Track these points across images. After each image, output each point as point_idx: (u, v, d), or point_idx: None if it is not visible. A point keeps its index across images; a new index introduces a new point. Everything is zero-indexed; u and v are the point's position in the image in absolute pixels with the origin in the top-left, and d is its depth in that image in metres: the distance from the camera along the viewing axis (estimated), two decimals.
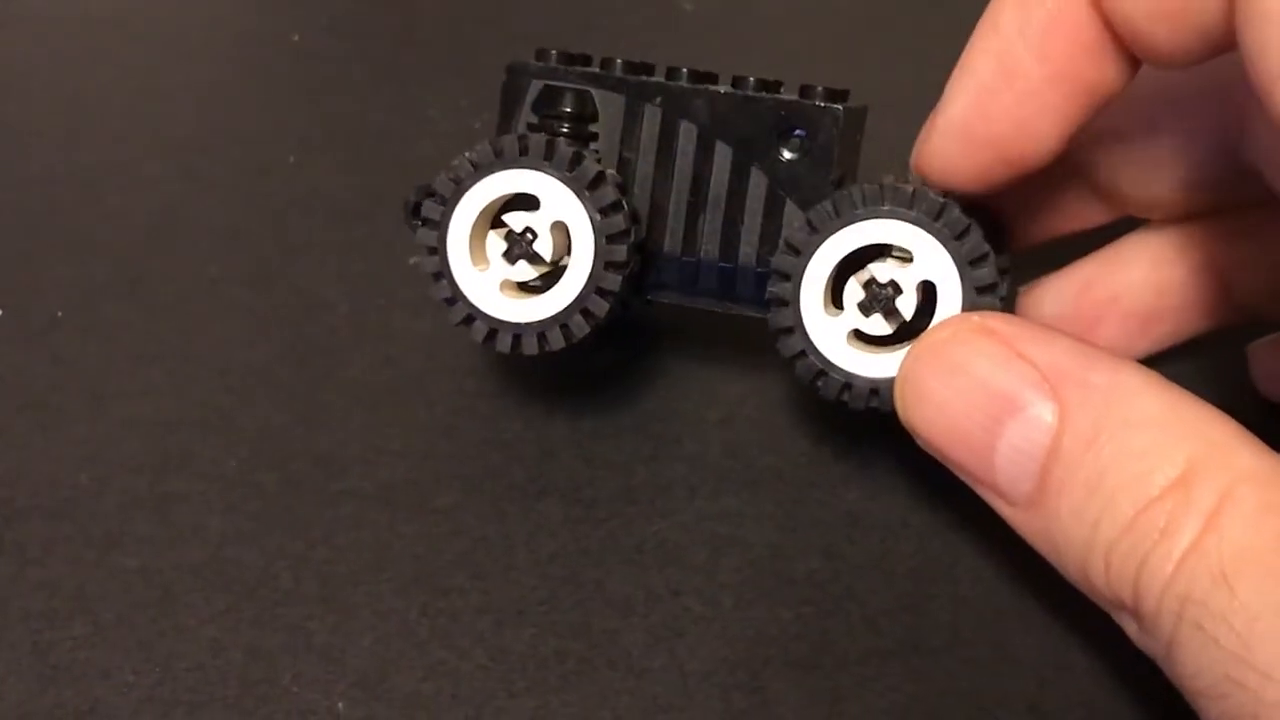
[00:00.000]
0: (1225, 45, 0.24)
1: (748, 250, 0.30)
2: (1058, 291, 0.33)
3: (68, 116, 0.43)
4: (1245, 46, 0.22)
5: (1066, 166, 0.31)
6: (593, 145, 0.30)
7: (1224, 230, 0.32)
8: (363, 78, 0.44)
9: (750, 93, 0.29)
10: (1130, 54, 0.26)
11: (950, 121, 0.28)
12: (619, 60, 0.31)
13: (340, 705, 0.28)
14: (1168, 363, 0.33)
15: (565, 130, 0.30)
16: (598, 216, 0.29)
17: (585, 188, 0.29)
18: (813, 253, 0.28)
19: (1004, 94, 0.27)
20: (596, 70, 0.30)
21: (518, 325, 0.30)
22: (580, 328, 0.29)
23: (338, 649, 0.29)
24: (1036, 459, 0.23)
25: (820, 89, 0.29)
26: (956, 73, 0.28)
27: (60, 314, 0.37)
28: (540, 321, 0.29)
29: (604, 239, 0.29)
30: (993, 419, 0.24)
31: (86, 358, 0.36)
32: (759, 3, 0.48)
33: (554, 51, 0.31)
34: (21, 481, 0.33)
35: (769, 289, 0.29)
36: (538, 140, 0.29)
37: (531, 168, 0.29)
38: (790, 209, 0.29)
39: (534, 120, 0.31)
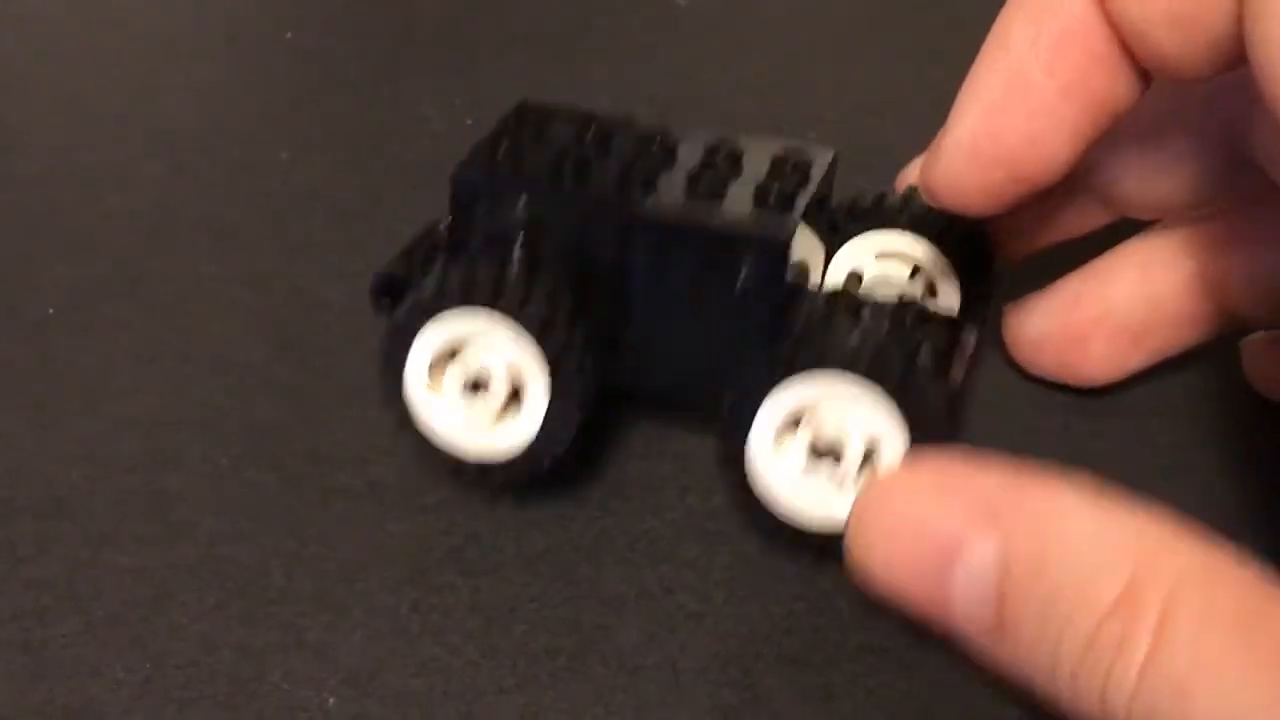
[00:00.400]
0: (1236, 58, 0.24)
1: (706, 369, 0.29)
2: (1045, 309, 0.33)
3: (64, 115, 0.43)
4: (1254, 54, 0.22)
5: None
6: (547, 252, 0.29)
7: (1217, 236, 0.32)
8: (359, 76, 0.44)
9: (693, 222, 0.28)
10: (1141, 67, 0.26)
11: (959, 142, 0.27)
12: (568, 164, 0.29)
13: (331, 701, 0.28)
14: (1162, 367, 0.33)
15: (519, 242, 0.29)
16: (550, 359, 0.29)
17: (538, 332, 0.28)
18: (756, 407, 0.28)
19: (1015, 111, 0.26)
20: (543, 190, 0.29)
21: (481, 460, 0.30)
22: (544, 457, 0.30)
23: (329, 646, 0.29)
24: (990, 595, 0.23)
25: (773, 197, 0.28)
26: (964, 91, 0.27)
27: (51, 311, 0.37)
28: (505, 454, 0.30)
29: (557, 380, 0.29)
30: (941, 564, 0.24)
31: (81, 356, 0.36)
32: (753, 1, 0.48)
33: (503, 146, 0.30)
34: (14, 479, 0.33)
35: (717, 434, 0.29)
36: (485, 277, 0.28)
37: (481, 305, 0.28)
38: (745, 326, 0.29)
39: (488, 228, 0.30)
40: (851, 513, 0.26)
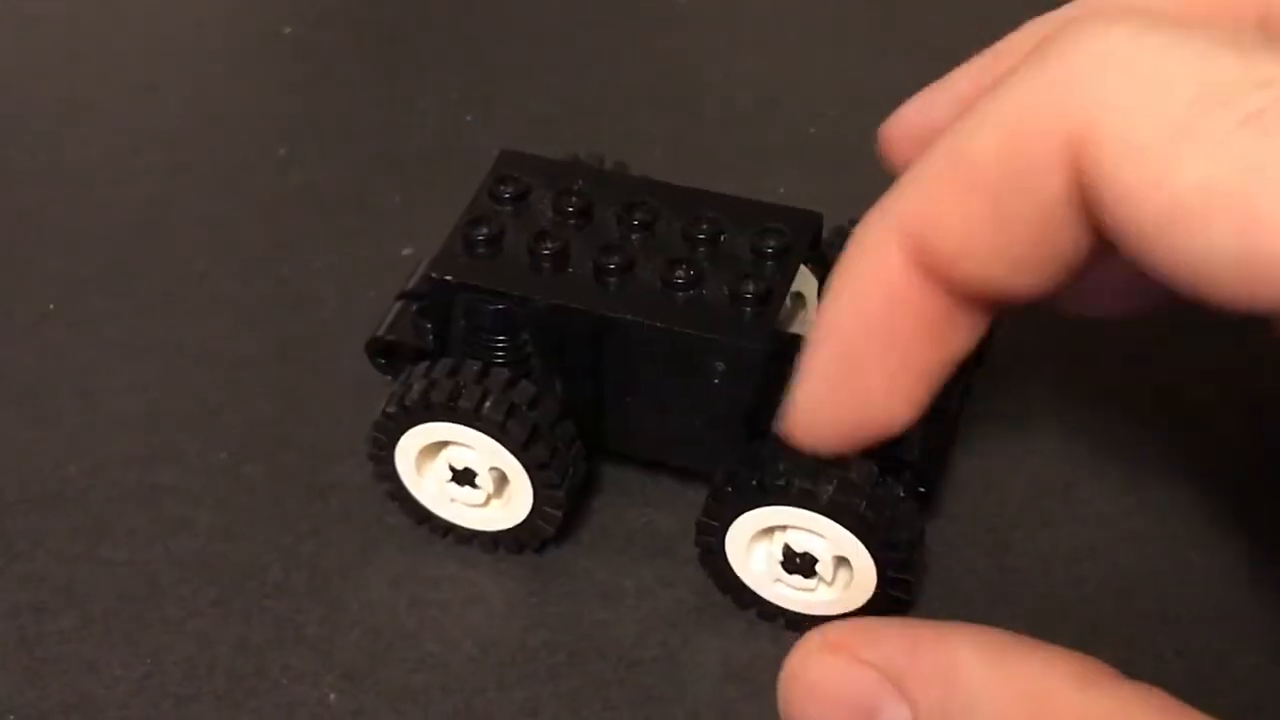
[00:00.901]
0: (1080, 269, 0.23)
1: (688, 443, 0.30)
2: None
3: (57, 110, 0.43)
4: (1120, 229, 0.21)
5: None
6: (527, 347, 0.29)
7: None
8: (353, 71, 0.44)
9: (665, 325, 0.28)
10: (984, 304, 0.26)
11: (807, 414, 0.27)
12: (546, 256, 0.29)
13: (331, 697, 0.28)
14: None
15: (498, 344, 0.29)
16: (520, 453, 0.29)
17: (497, 430, 0.28)
18: (729, 523, 0.28)
19: (852, 394, 0.26)
20: (518, 295, 0.29)
21: (482, 532, 0.30)
22: (545, 530, 0.30)
23: (327, 641, 0.29)
24: None
25: (749, 296, 0.28)
26: (804, 362, 0.27)
27: (52, 307, 0.37)
28: (495, 529, 0.30)
29: (535, 469, 0.29)
30: None
31: (75, 350, 0.36)
32: None
33: (477, 239, 0.29)
34: (10, 474, 0.33)
35: (695, 537, 0.29)
36: (469, 394, 0.28)
37: (463, 423, 0.29)
38: (723, 410, 0.29)
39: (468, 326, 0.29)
40: (779, 687, 0.26)
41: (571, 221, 0.30)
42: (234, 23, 0.46)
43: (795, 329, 0.30)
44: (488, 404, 0.28)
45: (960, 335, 0.26)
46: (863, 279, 0.25)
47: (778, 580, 0.29)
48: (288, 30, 0.45)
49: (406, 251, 0.38)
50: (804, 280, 0.30)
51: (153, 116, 0.43)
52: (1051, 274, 0.23)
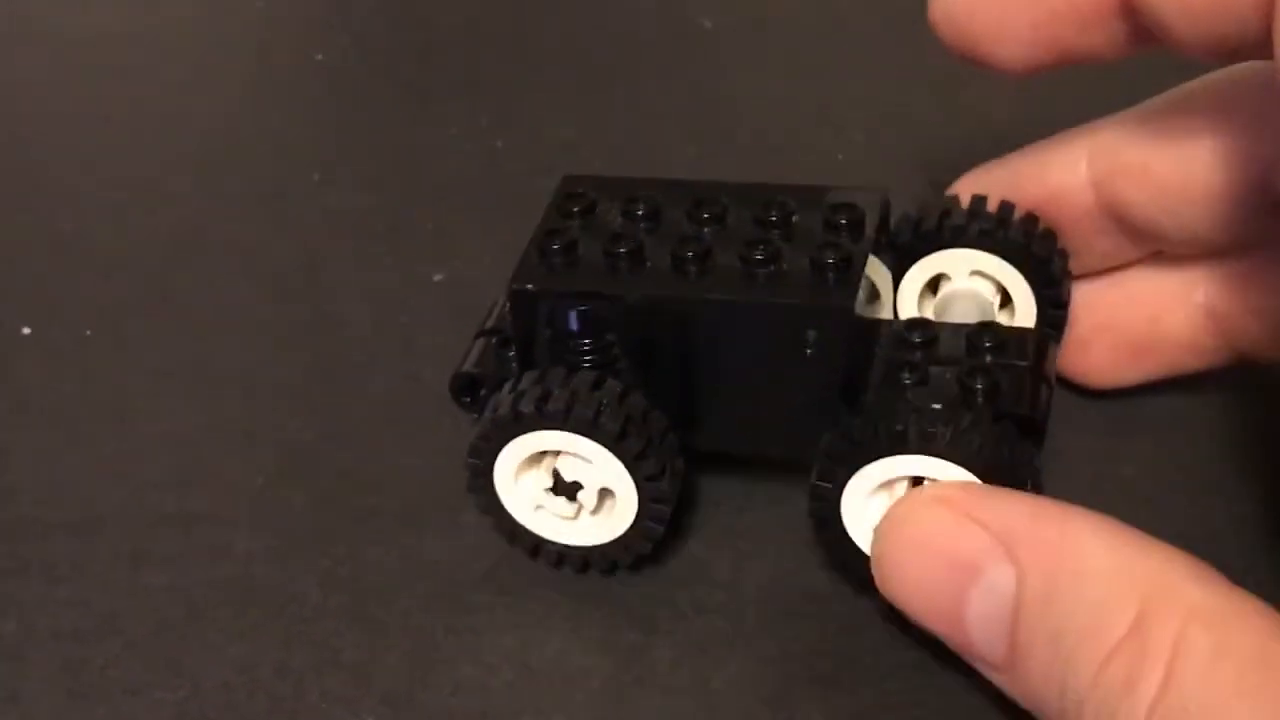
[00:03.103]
0: (1244, 48, 0.25)
1: (783, 429, 0.29)
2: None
3: (95, 136, 0.44)
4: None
5: (1097, 206, 0.31)
6: (611, 350, 0.29)
7: (1233, 273, 0.31)
8: (386, 96, 0.45)
9: (755, 300, 0.28)
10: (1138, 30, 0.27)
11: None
12: (623, 256, 0.29)
13: None
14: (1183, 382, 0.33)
15: (588, 347, 0.29)
16: (633, 466, 0.29)
17: (612, 442, 0.28)
18: (843, 485, 0.28)
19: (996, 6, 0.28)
20: (602, 297, 0.29)
21: (580, 548, 0.30)
22: (644, 547, 0.30)
23: (366, 666, 0.29)
24: (1004, 623, 0.24)
25: (831, 263, 0.28)
26: None
27: (89, 332, 0.37)
28: (593, 544, 0.30)
29: (644, 482, 0.29)
30: (958, 589, 0.24)
31: (112, 375, 0.36)
32: (778, 20, 0.48)
33: (553, 249, 0.29)
34: (50, 499, 0.33)
35: (810, 504, 0.29)
36: (557, 399, 0.28)
37: (554, 428, 0.28)
38: (818, 386, 0.29)
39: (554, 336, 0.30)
40: (876, 532, 0.27)
41: (642, 225, 0.30)
42: (267, 50, 0.47)
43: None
44: (603, 416, 0.28)
45: (1105, 37, 0.27)
46: (1056, 148, 0.28)
47: None
48: (320, 58, 0.45)
49: (438, 277, 0.38)
50: (875, 270, 0.30)
51: (187, 142, 0.43)
52: (1218, 37, 0.25)
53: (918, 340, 0.29)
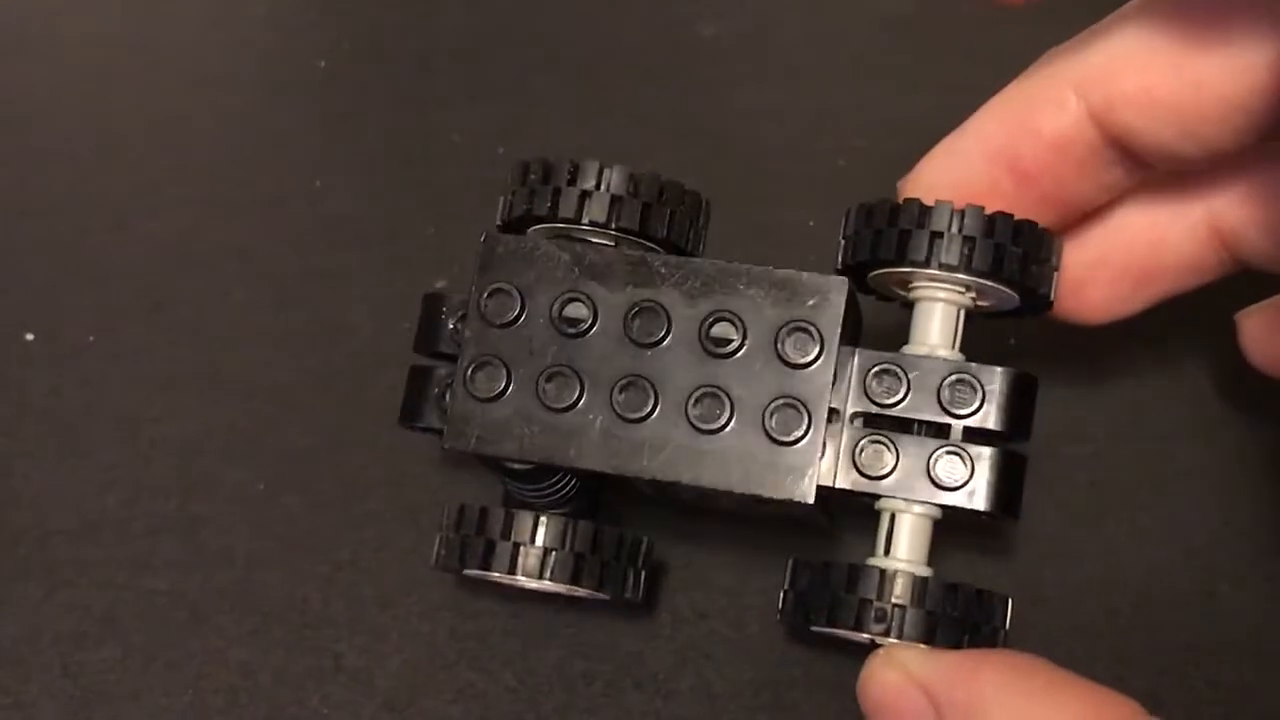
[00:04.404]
0: (1236, 148, 0.26)
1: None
2: None
3: (93, 142, 0.44)
4: None
5: (1101, 141, 0.29)
6: (569, 483, 0.28)
7: (1233, 183, 0.30)
8: (386, 103, 0.45)
9: (702, 483, 0.27)
10: (1134, 160, 0.27)
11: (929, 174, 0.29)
12: (557, 409, 0.27)
13: None
14: (1157, 326, 0.32)
15: (539, 492, 0.28)
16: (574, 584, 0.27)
17: (541, 579, 0.27)
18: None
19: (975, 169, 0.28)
20: (536, 461, 0.27)
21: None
22: (634, 600, 0.28)
23: (366, 671, 0.29)
24: None
25: (779, 428, 0.26)
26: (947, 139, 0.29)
27: (91, 339, 0.37)
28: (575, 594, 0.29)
29: (599, 589, 0.27)
30: None
31: (113, 382, 0.36)
32: (777, 29, 0.48)
33: (489, 402, 0.28)
34: (51, 505, 0.33)
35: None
36: (502, 551, 0.27)
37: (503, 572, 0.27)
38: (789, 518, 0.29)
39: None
40: (858, 684, 0.27)
41: (576, 341, 0.28)
42: (268, 56, 0.47)
43: None
44: (521, 556, 0.27)
45: (1099, 186, 0.28)
46: (1032, 102, 0.27)
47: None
48: (321, 64, 0.45)
49: (440, 284, 0.38)
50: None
51: (188, 149, 0.43)
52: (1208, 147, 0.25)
53: (887, 403, 0.27)
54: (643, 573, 0.28)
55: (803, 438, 0.26)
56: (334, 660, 0.30)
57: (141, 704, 0.29)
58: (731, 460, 0.26)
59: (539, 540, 0.27)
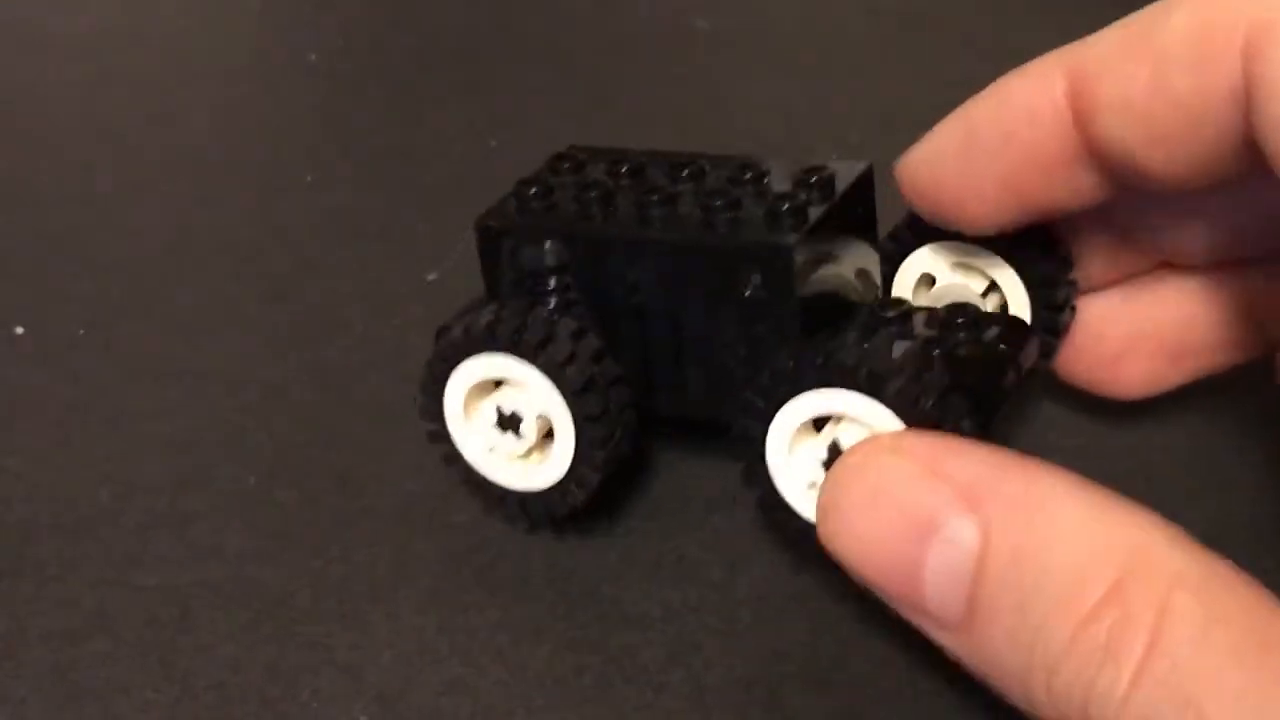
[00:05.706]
0: (1222, 173, 0.24)
1: (730, 390, 0.29)
2: (1081, 323, 0.32)
3: (86, 136, 0.44)
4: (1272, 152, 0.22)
5: (1100, 223, 0.31)
6: (570, 292, 0.30)
7: (1257, 274, 0.31)
8: (379, 97, 0.45)
9: (697, 239, 0.28)
10: (1110, 176, 0.26)
11: (917, 162, 0.28)
12: (594, 200, 0.29)
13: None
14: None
15: (549, 286, 0.29)
16: (572, 400, 0.29)
17: (556, 371, 0.28)
18: (770, 418, 0.27)
19: (965, 166, 0.28)
20: (556, 225, 0.29)
21: (516, 492, 0.30)
22: (576, 496, 0.30)
23: (357, 665, 0.29)
24: (963, 579, 0.22)
25: (785, 212, 0.28)
26: (937, 126, 0.28)
27: (82, 332, 0.37)
28: (536, 489, 0.30)
29: (583, 421, 0.29)
30: (915, 543, 0.23)
31: (104, 376, 0.36)
32: (773, 21, 0.48)
33: (529, 194, 0.30)
34: (41, 499, 0.33)
35: (736, 434, 0.28)
36: (508, 323, 0.28)
37: (504, 352, 0.29)
38: (762, 338, 0.28)
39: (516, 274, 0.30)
40: (826, 480, 0.25)
41: (624, 181, 0.30)
42: (261, 52, 0.47)
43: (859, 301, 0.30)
44: (552, 344, 0.28)
45: (1070, 188, 0.27)
46: (1023, 88, 0.27)
47: (812, 486, 0.27)
48: (313, 58, 0.46)
49: (431, 277, 0.38)
50: (865, 256, 0.30)
51: (180, 143, 0.43)
52: (1182, 161, 0.24)
53: (890, 315, 0.29)
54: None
55: (802, 214, 0.28)
56: (325, 654, 0.30)
57: (131, 699, 0.29)
58: (729, 228, 0.28)
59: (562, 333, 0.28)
